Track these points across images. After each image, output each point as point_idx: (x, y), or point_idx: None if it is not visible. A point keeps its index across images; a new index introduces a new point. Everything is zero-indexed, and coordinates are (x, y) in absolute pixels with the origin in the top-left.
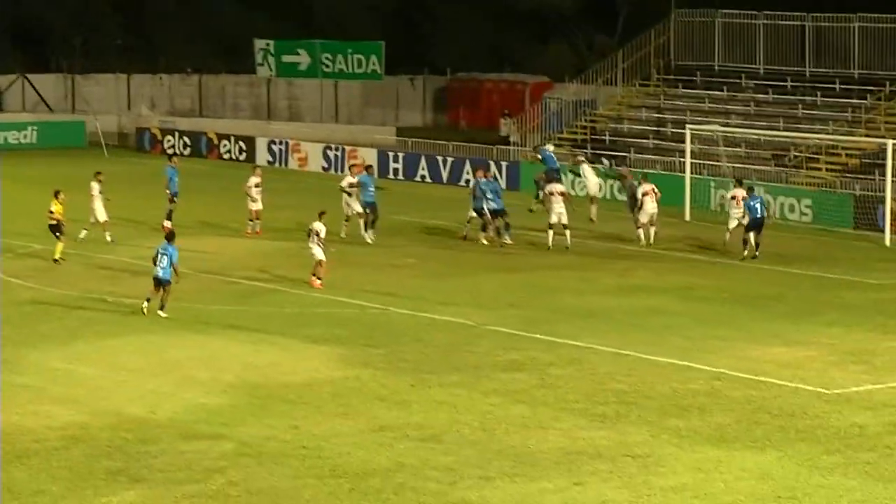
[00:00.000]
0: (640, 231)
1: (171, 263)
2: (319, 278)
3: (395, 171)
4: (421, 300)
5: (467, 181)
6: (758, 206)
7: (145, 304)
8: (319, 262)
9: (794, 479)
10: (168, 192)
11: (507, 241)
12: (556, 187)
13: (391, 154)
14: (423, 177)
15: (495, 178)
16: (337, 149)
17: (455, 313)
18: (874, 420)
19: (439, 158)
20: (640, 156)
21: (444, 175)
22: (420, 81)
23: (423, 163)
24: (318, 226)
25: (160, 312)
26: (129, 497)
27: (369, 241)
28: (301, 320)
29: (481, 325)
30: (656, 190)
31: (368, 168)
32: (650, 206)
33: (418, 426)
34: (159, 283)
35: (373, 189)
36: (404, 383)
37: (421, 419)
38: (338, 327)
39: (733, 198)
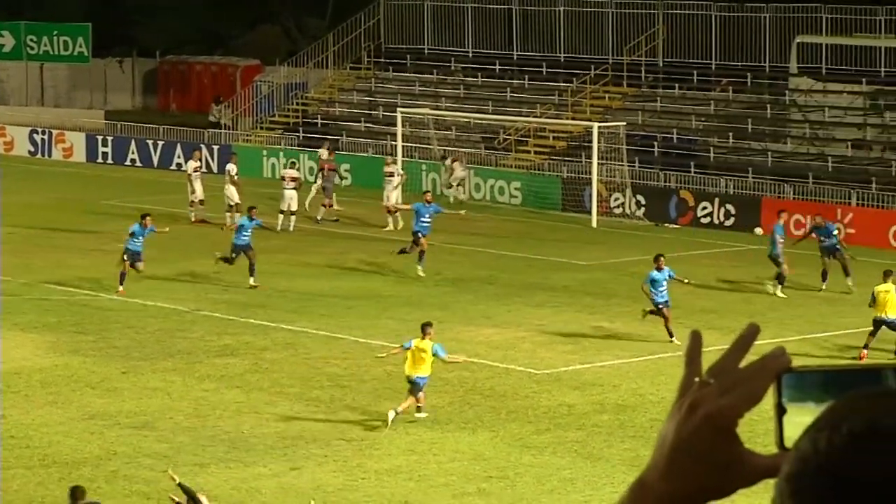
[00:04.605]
0: (390, 217)
1: None
2: None
3: (105, 155)
4: (132, 286)
5: (178, 165)
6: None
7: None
8: None
9: (506, 459)
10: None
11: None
12: (289, 173)
13: (100, 138)
14: (133, 161)
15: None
16: (44, 132)
17: (167, 299)
18: (582, 399)
19: (149, 142)
20: (352, 139)
21: (155, 159)
22: (129, 64)
23: (132, 147)
24: None
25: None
26: None
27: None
28: (9, 307)
29: (194, 310)
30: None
31: (426, 194)
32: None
33: (131, 413)
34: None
35: (427, 219)
36: (115, 370)
37: (133, 406)
38: (47, 314)
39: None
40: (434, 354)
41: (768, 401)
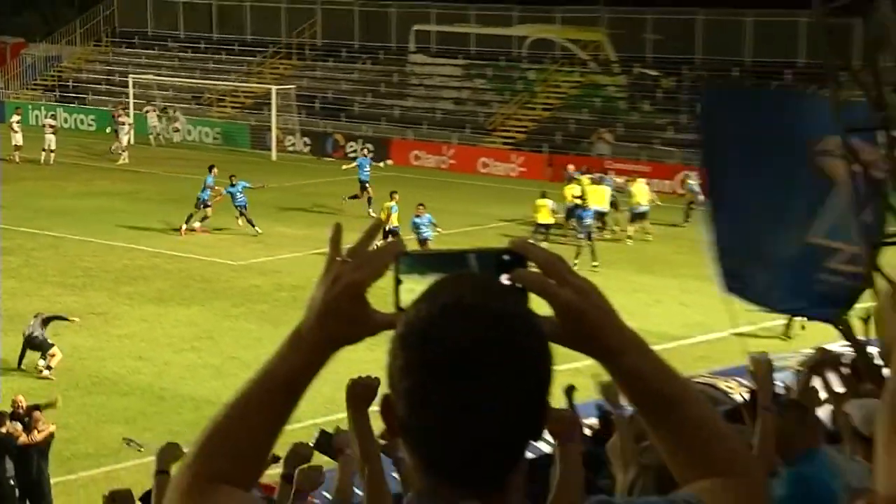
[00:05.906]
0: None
1: None
2: None
3: None
4: None
5: None
6: None
7: None
8: None
9: (212, 325)
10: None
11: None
12: (48, 122)
13: None
14: None
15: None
16: None
17: None
18: (267, 282)
19: None
20: (97, 97)
21: None
22: None
23: None
24: None
25: None
26: None
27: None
28: None
29: None
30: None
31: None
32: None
33: None
34: None
35: (368, 169)
36: None
37: None
38: None
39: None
40: (390, 209)
41: (390, 275)
